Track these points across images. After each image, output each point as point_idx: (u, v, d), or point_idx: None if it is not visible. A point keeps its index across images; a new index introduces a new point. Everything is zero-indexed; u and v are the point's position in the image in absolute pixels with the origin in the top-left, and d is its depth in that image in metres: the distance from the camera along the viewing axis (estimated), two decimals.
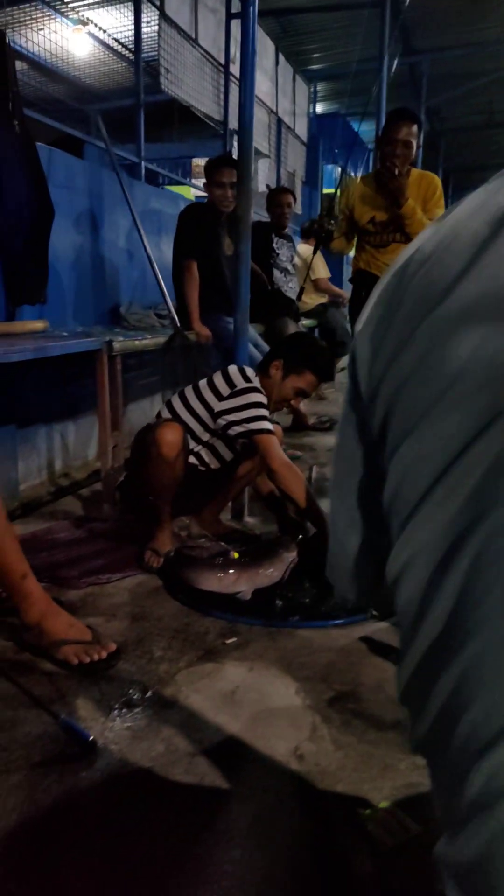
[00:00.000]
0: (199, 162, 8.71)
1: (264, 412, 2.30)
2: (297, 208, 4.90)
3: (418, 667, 0.56)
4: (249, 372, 2.40)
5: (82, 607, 2.04)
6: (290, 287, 4.85)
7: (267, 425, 2.28)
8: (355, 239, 3.45)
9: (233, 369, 2.42)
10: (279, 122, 7.45)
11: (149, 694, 1.59)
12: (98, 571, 2.29)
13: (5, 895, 1.05)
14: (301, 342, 2.51)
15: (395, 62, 6.44)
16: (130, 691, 1.60)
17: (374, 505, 0.68)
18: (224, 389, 2.35)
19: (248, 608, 2.01)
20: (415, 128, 3.08)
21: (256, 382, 2.37)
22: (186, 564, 2.15)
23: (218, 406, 2.33)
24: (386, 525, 0.61)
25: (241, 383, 2.34)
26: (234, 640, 1.87)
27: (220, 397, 2.34)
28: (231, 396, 2.33)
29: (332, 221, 3.61)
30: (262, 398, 2.33)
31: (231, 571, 2.10)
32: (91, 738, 1.39)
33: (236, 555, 2.16)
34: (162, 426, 2.25)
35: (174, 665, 1.73)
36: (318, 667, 1.73)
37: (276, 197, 4.79)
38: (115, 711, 1.52)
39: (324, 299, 5.85)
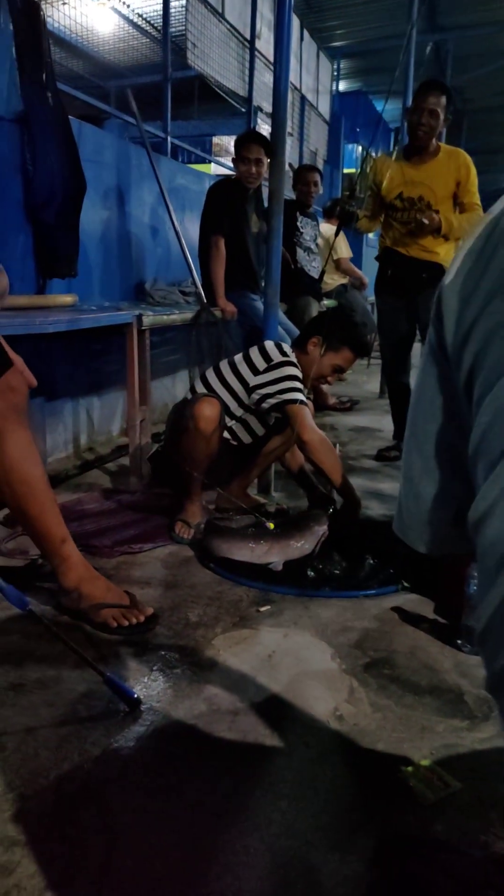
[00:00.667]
0: (220, 140, 8.66)
1: (299, 385, 2.32)
2: (319, 188, 4.86)
3: (501, 604, 0.58)
4: (286, 347, 2.41)
5: (115, 576, 2.07)
6: (313, 266, 4.84)
7: (300, 396, 2.30)
8: (381, 216, 3.43)
9: (269, 344, 2.43)
10: (302, 99, 7.39)
11: (188, 657, 1.63)
12: (129, 541, 2.32)
13: (59, 838, 1.09)
14: (338, 318, 2.52)
15: (421, 40, 6.35)
16: (169, 654, 1.64)
17: (451, 453, 0.70)
18: (260, 364, 2.37)
19: (281, 578, 2.03)
20: (443, 99, 3.05)
21: (293, 358, 2.39)
22: (219, 534, 2.18)
23: (253, 380, 2.35)
24: (465, 472, 0.64)
25: (277, 357, 2.36)
26: (267, 607, 1.90)
27: (255, 371, 2.36)
28: (266, 371, 2.35)
29: (353, 203, 3.59)
30: (297, 372, 2.34)
31: (263, 542, 2.12)
32: (136, 695, 1.42)
33: (272, 525, 2.18)
34: (200, 401, 2.27)
35: (210, 630, 1.76)
36: (352, 634, 1.76)
37: (304, 175, 4.76)
38: (156, 672, 1.56)
39: (345, 280, 5.83)
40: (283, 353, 2.37)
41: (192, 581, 2.06)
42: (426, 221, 3.09)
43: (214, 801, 1.18)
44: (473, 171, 3.15)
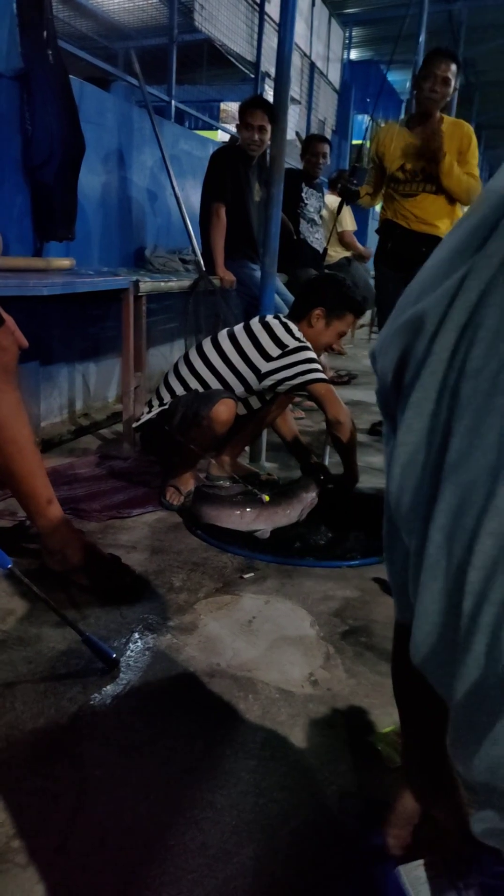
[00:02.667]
0: (227, 107, 8.52)
1: (318, 366, 2.32)
2: (328, 159, 4.79)
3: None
4: (294, 328, 2.35)
5: (102, 539, 2.09)
6: (315, 238, 4.79)
7: (322, 375, 2.31)
8: (383, 189, 3.39)
9: (276, 325, 2.35)
10: (312, 66, 7.25)
11: (169, 620, 1.65)
12: (118, 506, 2.34)
13: (31, 789, 1.12)
14: (333, 285, 2.49)
15: (434, 10, 6.22)
16: (150, 616, 1.66)
17: None
18: (273, 350, 2.31)
19: (266, 546, 2.05)
20: (454, 66, 3.00)
21: (304, 338, 2.36)
22: (206, 501, 2.19)
23: (266, 367, 2.31)
24: None
25: (291, 342, 2.31)
26: (251, 574, 1.92)
27: (267, 358, 2.31)
28: (281, 356, 2.31)
29: (355, 182, 3.54)
30: (313, 354, 2.33)
31: (250, 510, 2.14)
32: (114, 655, 1.44)
33: (267, 498, 2.19)
34: (219, 403, 2.23)
35: (193, 595, 1.78)
36: (332, 603, 1.78)
37: (313, 145, 4.68)
38: (136, 634, 1.58)
39: (348, 253, 5.78)
40: (296, 338, 2.33)
41: (179, 547, 2.07)
42: (434, 130, 3.03)
43: (185, 758, 1.20)
44: (475, 141, 3.11)
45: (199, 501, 2.21)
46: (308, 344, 2.35)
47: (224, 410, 2.23)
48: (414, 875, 0.73)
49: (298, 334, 2.36)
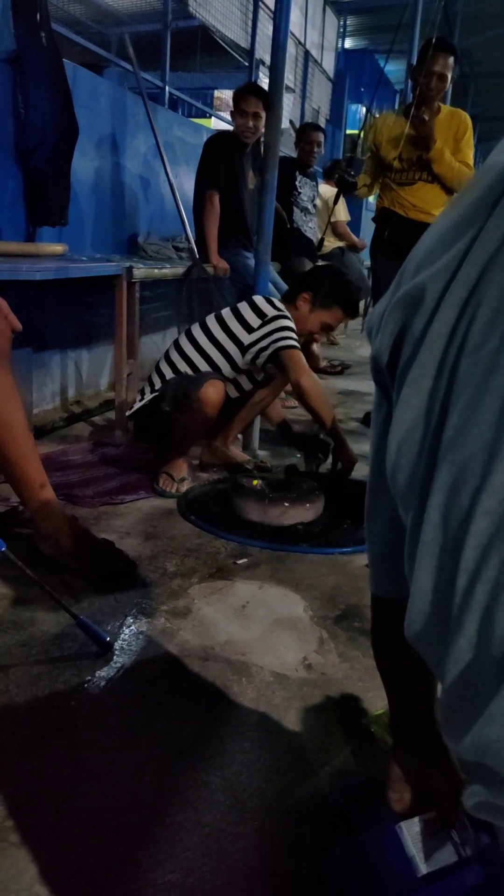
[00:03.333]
0: (221, 94, 8.47)
1: (293, 334, 2.31)
2: (322, 148, 4.78)
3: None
4: (277, 302, 2.39)
5: (96, 525, 2.08)
6: (309, 227, 4.78)
7: (294, 343, 2.28)
8: (380, 179, 3.38)
9: (259, 300, 2.40)
10: (306, 55, 7.21)
11: (162, 604, 1.65)
12: (111, 492, 2.33)
13: (26, 770, 1.12)
14: (332, 276, 2.49)
15: None
16: (144, 601, 1.66)
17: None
18: (254, 321, 2.33)
19: (259, 533, 2.05)
20: (451, 60, 3.00)
21: (286, 311, 2.37)
22: (240, 494, 2.18)
23: (248, 339, 2.33)
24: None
25: (270, 312, 2.34)
26: (244, 560, 1.92)
27: (249, 329, 2.33)
28: (261, 327, 2.33)
29: (353, 173, 3.52)
30: (291, 323, 2.33)
31: (278, 505, 2.13)
32: (108, 638, 1.44)
33: (256, 482, 2.19)
34: (207, 384, 2.23)
35: (187, 580, 1.78)
36: (325, 588, 1.78)
37: (307, 133, 4.67)
38: (130, 618, 1.58)
39: (341, 243, 5.77)
40: (276, 308, 2.36)
41: (172, 533, 2.07)
42: (426, 118, 3.03)
43: (179, 740, 1.21)
44: (470, 131, 3.12)
45: (235, 492, 2.20)
46: (286, 313, 2.35)
47: (213, 392, 2.23)
48: (413, 830, 0.76)
49: (280, 306, 2.37)
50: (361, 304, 6.89)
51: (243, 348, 2.33)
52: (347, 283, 2.47)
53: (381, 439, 0.78)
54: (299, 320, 2.39)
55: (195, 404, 2.22)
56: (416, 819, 0.77)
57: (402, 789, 0.84)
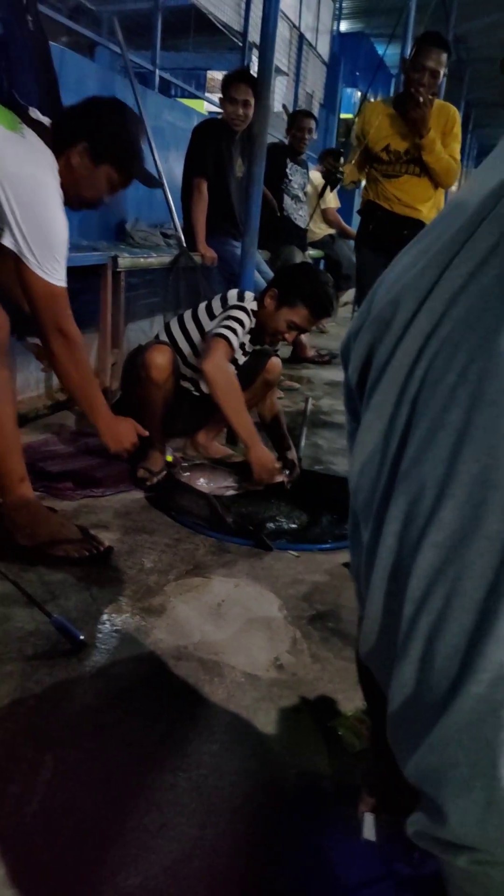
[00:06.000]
0: (215, 75, 8.37)
1: (235, 326, 2.27)
2: (314, 135, 4.74)
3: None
4: (248, 296, 2.38)
5: (75, 518, 2.08)
6: (299, 215, 4.76)
7: (226, 332, 2.24)
8: (366, 169, 3.36)
9: (232, 292, 2.40)
10: (301, 38, 7.13)
11: (138, 602, 1.66)
12: (92, 485, 2.33)
13: None
14: (300, 274, 2.46)
15: None
16: (120, 597, 1.67)
17: None
18: (218, 310, 2.35)
19: (238, 529, 2.06)
20: (444, 56, 2.98)
21: (250, 305, 2.35)
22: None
23: (209, 326, 2.33)
24: None
25: (231, 302, 2.34)
26: (222, 557, 1.93)
27: (213, 318, 2.35)
28: (219, 316, 2.33)
29: (341, 171, 3.50)
30: (243, 316, 2.29)
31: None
32: (82, 637, 1.45)
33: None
34: (151, 349, 2.27)
35: (164, 577, 1.79)
36: (301, 587, 1.80)
37: (299, 120, 4.63)
38: (105, 616, 1.59)
39: (332, 230, 5.75)
40: (241, 299, 2.35)
41: (151, 528, 2.08)
42: (421, 100, 3.00)
43: (149, 741, 1.22)
44: (458, 125, 3.11)
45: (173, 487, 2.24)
46: (248, 307, 2.33)
47: (157, 355, 2.24)
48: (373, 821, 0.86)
49: (247, 298, 2.36)
50: (351, 292, 6.89)
51: (203, 334, 2.34)
52: (314, 282, 2.37)
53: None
54: (266, 318, 2.35)
55: (143, 371, 2.23)
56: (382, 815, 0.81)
57: (374, 794, 0.87)
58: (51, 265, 1.67)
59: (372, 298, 0.69)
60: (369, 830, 0.92)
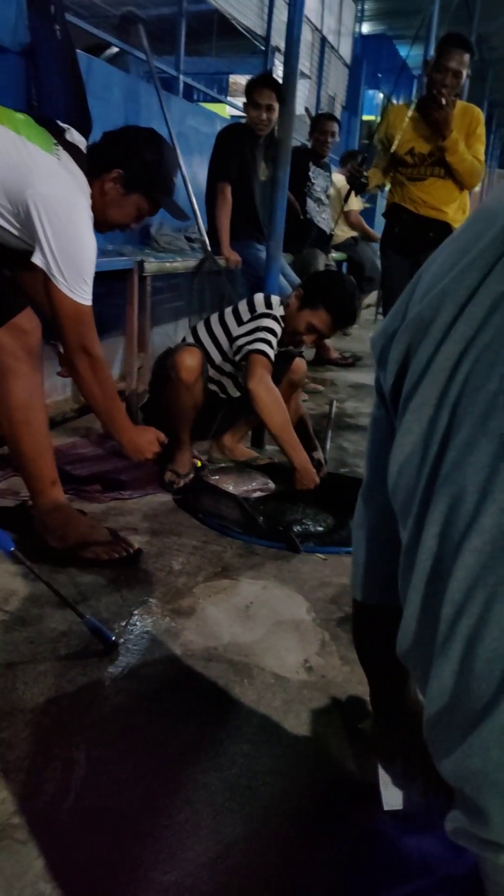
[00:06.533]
0: (237, 79, 8.39)
1: (270, 338, 2.28)
2: (336, 138, 4.75)
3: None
4: (274, 300, 2.39)
5: (104, 520, 2.11)
6: (322, 218, 4.76)
7: (263, 347, 2.25)
8: (391, 173, 3.36)
9: (258, 296, 2.41)
10: (323, 40, 7.12)
11: (167, 603, 1.68)
12: (120, 487, 2.36)
13: (31, 767, 1.15)
14: (327, 279, 2.47)
15: None
16: (150, 599, 1.69)
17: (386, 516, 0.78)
18: (245, 315, 2.36)
19: (266, 532, 2.07)
20: (467, 57, 2.98)
21: (278, 311, 2.36)
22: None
23: (236, 331, 2.35)
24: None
25: (261, 308, 2.35)
26: (250, 559, 1.94)
27: (240, 323, 2.36)
28: (249, 321, 2.34)
29: (366, 175, 3.50)
30: (274, 325, 2.31)
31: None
32: (114, 637, 1.47)
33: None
34: (181, 351, 2.30)
35: (192, 579, 1.81)
36: (329, 589, 1.81)
37: (323, 124, 4.63)
38: (135, 617, 1.61)
39: (354, 233, 5.74)
40: (268, 305, 2.36)
41: (179, 530, 2.10)
42: (443, 102, 3.00)
43: (180, 741, 1.24)
44: (482, 126, 3.11)
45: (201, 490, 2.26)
46: (276, 313, 2.34)
47: (187, 356, 2.27)
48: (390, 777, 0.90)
49: (274, 304, 2.36)
50: (374, 294, 6.87)
51: (231, 339, 2.36)
52: (340, 289, 2.37)
53: (375, 447, 0.80)
54: (289, 318, 2.36)
55: (173, 373, 2.25)
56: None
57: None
58: (78, 285, 1.69)
59: (407, 299, 0.69)
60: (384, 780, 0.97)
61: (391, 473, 0.67)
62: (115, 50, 4.25)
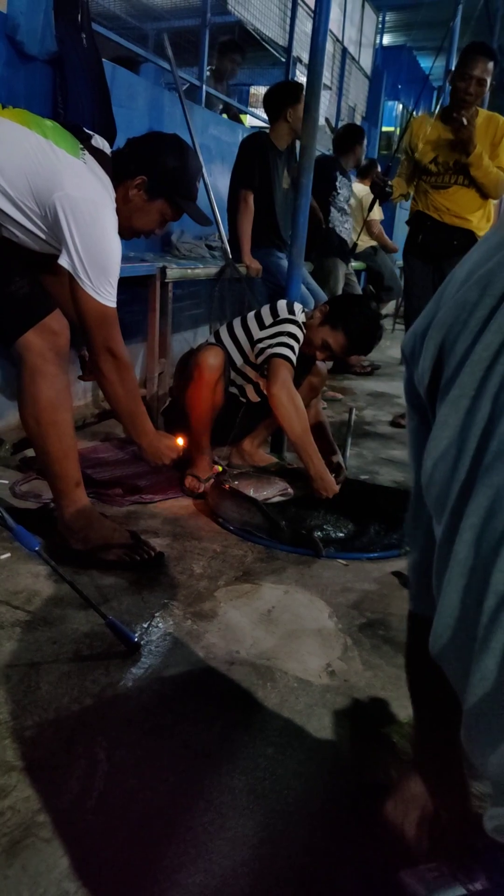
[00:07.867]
0: (258, 90, 8.43)
1: (293, 343, 2.29)
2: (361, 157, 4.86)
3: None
4: (297, 307, 2.40)
5: (125, 524, 2.11)
6: (345, 227, 4.77)
7: (286, 352, 2.26)
8: (415, 182, 3.36)
9: (282, 302, 2.42)
10: (344, 52, 7.15)
11: (189, 606, 1.68)
12: (141, 491, 2.37)
13: (54, 766, 1.15)
14: (355, 304, 2.49)
15: None
16: (171, 602, 1.69)
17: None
18: (268, 319, 2.38)
19: (287, 537, 2.07)
20: (491, 65, 2.97)
21: (300, 318, 2.37)
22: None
23: (258, 334, 2.36)
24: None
25: (283, 314, 2.36)
26: (271, 564, 1.94)
27: (262, 326, 2.37)
28: (271, 325, 2.35)
29: (390, 184, 3.50)
30: (297, 331, 2.32)
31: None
32: (136, 639, 1.48)
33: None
34: (204, 350, 2.32)
35: (213, 582, 1.81)
36: (351, 595, 1.80)
37: (355, 148, 4.78)
38: (158, 619, 1.61)
39: (374, 242, 5.75)
40: (291, 312, 2.37)
41: (200, 534, 2.10)
42: (465, 122, 2.98)
43: (204, 743, 1.23)
44: None
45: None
46: (299, 320, 2.35)
47: (210, 356, 2.29)
48: (417, 876, 0.76)
49: (297, 310, 2.37)
50: (392, 304, 6.85)
51: (253, 342, 2.36)
52: (362, 318, 2.37)
53: (417, 456, 0.80)
54: (309, 328, 2.38)
55: (195, 371, 2.26)
56: (420, 868, 0.77)
57: (404, 812, 0.86)
58: (104, 287, 1.71)
59: (439, 298, 0.69)
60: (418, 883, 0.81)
61: (425, 468, 0.67)
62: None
